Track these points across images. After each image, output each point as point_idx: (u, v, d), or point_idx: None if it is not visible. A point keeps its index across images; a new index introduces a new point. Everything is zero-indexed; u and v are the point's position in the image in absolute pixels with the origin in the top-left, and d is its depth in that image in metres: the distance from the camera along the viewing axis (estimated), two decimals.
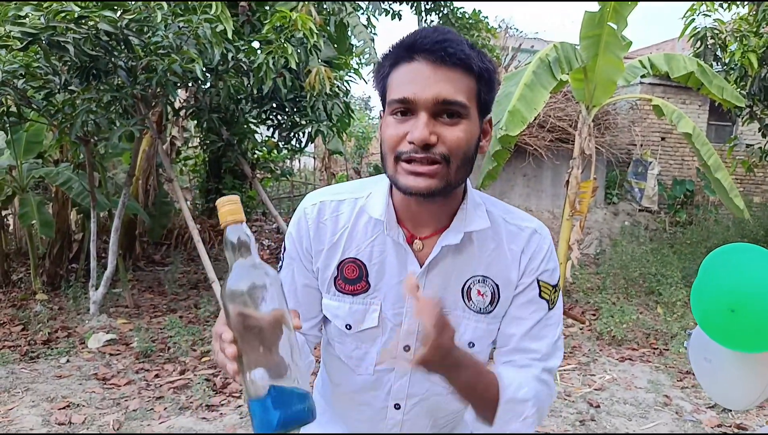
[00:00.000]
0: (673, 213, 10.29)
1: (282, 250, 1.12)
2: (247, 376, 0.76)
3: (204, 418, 3.26)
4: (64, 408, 3.29)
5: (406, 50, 0.91)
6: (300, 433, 0.97)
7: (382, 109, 0.99)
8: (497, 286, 1.02)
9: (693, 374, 1.53)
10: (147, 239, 7.24)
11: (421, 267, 1.00)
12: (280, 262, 1.12)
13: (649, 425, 3.37)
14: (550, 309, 1.03)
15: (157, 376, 3.79)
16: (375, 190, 1.04)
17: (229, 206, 0.79)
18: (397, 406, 1.09)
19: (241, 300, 0.75)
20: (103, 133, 4.29)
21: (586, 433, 3.25)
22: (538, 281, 1.02)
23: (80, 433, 3.04)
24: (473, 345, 1.04)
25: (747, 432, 3.33)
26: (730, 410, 3.51)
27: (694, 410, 3.59)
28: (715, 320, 1.15)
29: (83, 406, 3.34)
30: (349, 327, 1.06)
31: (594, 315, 5.43)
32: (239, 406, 3.41)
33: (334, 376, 1.17)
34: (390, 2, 9.23)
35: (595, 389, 3.85)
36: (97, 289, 4.79)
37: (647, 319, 5.23)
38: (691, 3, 6.60)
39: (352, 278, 1.04)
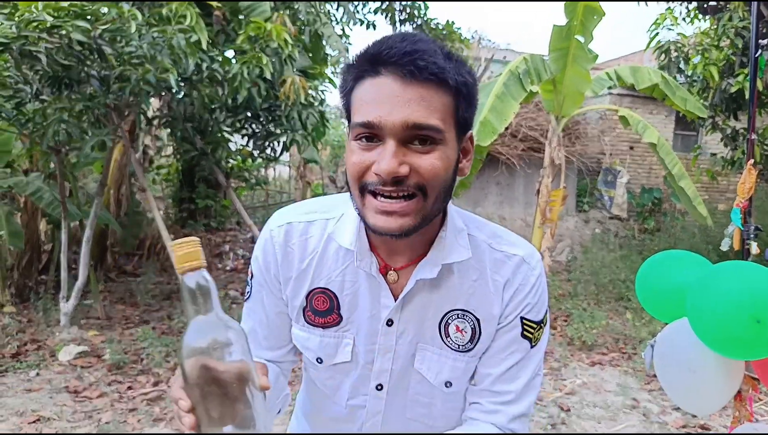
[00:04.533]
0: (641, 220, 10.54)
1: (249, 276, 1.02)
2: None
3: (178, 429, 3.24)
4: (34, 422, 3.24)
5: (370, 62, 0.79)
6: None
7: (347, 126, 0.86)
8: (478, 320, 0.92)
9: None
10: (118, 250, 7.14)
11: (395, 300, 0.92)
12: (248, 289, 1.03)
13: (618, 427, 3.46)
14: (531, 347, 0.94)
15: (130, 388, 3.75)
16: (347, 211, 0.93)
17: (186, 249, 0.69)
18: None
19: (202, 356, 0.68)
20: (75, 143, 4.24)
21: (559, 433, 3.32)
22: (522, 319, 0.93)
23: (68, 434, 2.99)
24: (450, 385, 0.95)
25: (710, 432, 3.45)
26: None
27: (660, 412, 3.69)
28: (738, 332, 1.15)
29: (54, 419, 3.29)
30: (320, 360, 0.98)
31: (565, 321, 5.54)
32: None
33: (312, 398, 1.12)
34: (364, 12, 9.33)
35: (566, 393, 3.93)
36: (68, 300, 4.71)
37: (617, 325, 5.36)
38: (656, 17, 6.82)
39: (323, 310, 0.95)
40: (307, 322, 0.97)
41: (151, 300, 5.81)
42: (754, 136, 1.63)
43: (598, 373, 4.33)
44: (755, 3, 1.62)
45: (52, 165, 5.15)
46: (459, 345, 0.93)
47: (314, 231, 0.94)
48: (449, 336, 0.93)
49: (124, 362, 4.08)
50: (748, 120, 1.67)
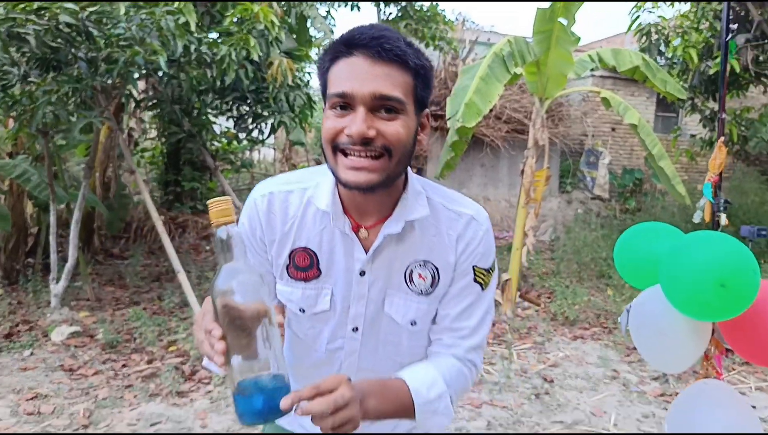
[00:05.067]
0: (623, 201, 10.75)
1: None
2: (233, 368, 0.82)
3: (174, 404, 3.33)
4: (31, 399, 3.30)
5: (344, 45, 0.94)
6: None
7: (323, 102, 1.01)
8: (437, 269, 1.08)
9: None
10: (105, 232, 7.14)
11: (366, 254, 1.06)
12: None
13: (598, 396, 3.62)
14: (482, 290, 1.11)
15: (124, 365, 3.82)
16: (322, 180, 1.08)
17: (220, 206, 0.83)
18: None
19: (226, 296, 0.81)
20: (62, 125, 4.24)
21: (563, 433, 3.47)
22: (474, 267, 1.09)
23: (61, 433, 3.06)
24: (415, 323, 1.11)
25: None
26: (666, 380, 3.81)
27: (639, 382, 3.86)
28: (699, 296, 1.27)
29: (51, 396, 3.35)
30: (302, 310, 1.12)
31: (549, 298, 5.70)
32: (209, 392, 3.49)
33: (294, 350, 1.23)
34: None
35: (550, 366, 4.08)
36: (58, 282, 4.74)
37: (598, 301, 5.53)
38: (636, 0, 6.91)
39: (304, 266, 1.09)
40: (291, 278, 1.11)
41: (141, 282, 5.85)
42: (724, 116, 1.74)
43: (580, 347, 4.49)
44: None
45: (38, 147, 5.13)
46: (421, 289, 1.09)
47: (293, 199, 1.09)
48: (413, 282, 1.09)
49: (118, 341, 4.14)
50: (718, 100, 1.77)
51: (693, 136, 9.08)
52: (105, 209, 6.34)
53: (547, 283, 6.13)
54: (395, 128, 0.94)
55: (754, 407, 3.55)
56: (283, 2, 5.54)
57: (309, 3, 5.62)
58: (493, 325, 4.86)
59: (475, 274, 1.10)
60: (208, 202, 0.84)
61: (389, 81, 0.93)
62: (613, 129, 11.31)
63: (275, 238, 1.09)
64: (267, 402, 0.82)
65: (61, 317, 4.59)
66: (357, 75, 0.93)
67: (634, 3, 6.99)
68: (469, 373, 1.13)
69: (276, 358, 0.84)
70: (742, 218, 8.01)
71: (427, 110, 1.04)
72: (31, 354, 3.96)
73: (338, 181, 0.99)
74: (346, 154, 0.95)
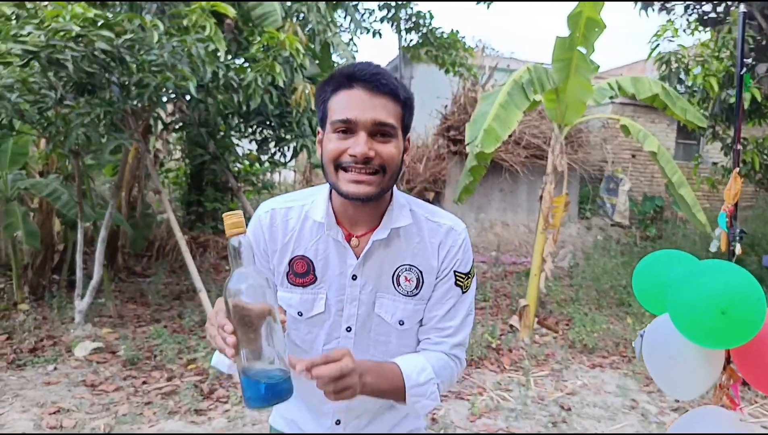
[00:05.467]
0: (643, 228, 10.66)
1: None
2: (242, 359, 0.94)
3: (193, 421, 3.37)
4: (54, 413, 3.37)
5: (346, 79, 1.10)
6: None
7: (320, 126, 1.18)
8: (421, 272, 1.21)
9: None
10: (129, 251, 7.29)
11: (357, 259, 1.19)
12: None
13: (616, 426, 3.58)
14: (463, 293, 1.24)
15: (144, 382, 3.88)
16: (317, 197, 1.23)
17: (234, 219, 0.96)
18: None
19: (237, 296, 0.94)
20: (93, 146, 4.39)
21: (558, 434, 3.44)
22: (454, 272, 1.23)
23: (75, 433, 3.12)
24: (403, 323, 1.23)
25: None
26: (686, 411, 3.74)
27: (658, 413, 3.81)
28: (702, 323, 1.31)
29: (73, 411, 3.42)
30: (300, 314, 1.23)
31: (567, 325, 5.66)
32: (226, 411, 3.53)
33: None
34: (371, 21, 9.49)
35: (567, 393, 4.05)
36: (82, 298, 4.85)
37: (617, 329, 5.47)
38: (657, 29, 6.96)
39: (302, 273, 1.22)
40: (290, 284, 1.23)
41: (162, 300, 5.94)
42: (739, 147, 1.77)
43: (599, 375, 4.44)
44: (741, 23, 1.75)
45: (69, 167, 5.29)
46: (408, 291, 1.22)
47: (293, 214, 1.23)
48: (400, 284, 1.22)
49: (138, 358, 4.21)
50: (734, 132, 1.80)
51: (714, 164, 9.00)
52: (129, 228, 6.49)
53: (566, 309, 6.09)
54: (389, 150, 1.10)
55: None
56: (308, 30, 5.70)
57: (334, 31, 5.76)
58: (510, 351, 4.84)
59: (456, 278, 1.23)
60: (224, 215, 0.97)
61: (385, 110, 1.10)
62: (634, 155, 11.28)
63: (277, 248, 1.22)
64: (270, 388, 0.93)
65: (85, 333, 4.69)
66: (358, 104, 1.08)
67: (655, 30, 7.04)
68: (455, 366, 1.25)
69: (279, 350, 0.95)
70: (766, 247, 7.89)
71: (408, 135, 1.20)
72: (55, 369, 4.04)
73: (339, 193, 1.13)
74: (346, 171, 1.10)
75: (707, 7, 7.80)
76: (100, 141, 4.24)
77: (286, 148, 5.26)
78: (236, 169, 8.74)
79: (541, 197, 5.32)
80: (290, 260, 1.22)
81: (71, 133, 3.79)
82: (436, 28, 10.04)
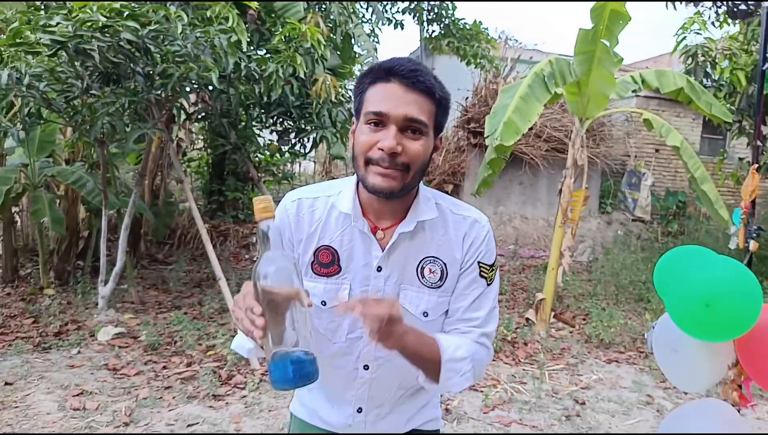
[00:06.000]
0: (665, 223, 10.51)
1: None
2: (269, 341, 0.95)
3: (211, 406, 3.45)
4: (78, 395, 3.48)
5: (385, 72, 1.12)
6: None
7: (355, 116, 1.19)
8: (445, 264, 1.22)
9: None
10: (151, 238, 7.42)
11: (383, 252, 1.21)
12: None
13: (631, 421, 3.57)
14: (488, 285, 1.25)
15: (164, 367, 3.98)
16: (344, 188, 1.24)
17: (263, 204, 1.00)
18: (366, 367, 1.27)
19: (265, 279, 0.96)
20: (118, 135, 4.48)
21: (573, 433, 3.44)
22: (479, 263, 1.24)
23: (88, 434, 3.21)
24: (427, 314, 1.23)
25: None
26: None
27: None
28: (689, 315, 1.33)
29: (96, 393, 3.52)
30: (324, 303, 1.23)
31: (584, 319, 5.63)
32: (243, 397, 3.60)
33: (314, 343, 1.38)
34: (393, 12, 9.46)
35: (582, 388, 4.04)
36: (106, 284, 4.97)
37: (635, 325, 5.43)
38: (683, 21, 6.83)
39: (326, 263, 1.22)
40: (315, 274, 1.24)
41: (183, 287, 6.06)
42: (759, 143, 1.75)
43: (614, 370, 4.43)
44: (765, 16, 1.72)
45: (94, 155, 5.40)
46: (432, 283, 1.23)
47: (319, 204, 1.24)
48: (424, 276, 1.23)
49: (159, 344, 4.31)
50: (754, 128, 1.78)
51: (741, 159, 8.83)
52: (152, 216, 6.61)
53: (583, 304, 6.06)
54: (417, 147, 1.11)
55: None
56: (329, 21, 5.71)
57: (355, 22, 5.77)
58: (526, 344, 4.84)
59: (480, 270, 1.24)
60: (254, 199, 1.01)
61: (418, 107, 1.10)
62: (657, 150, 11.11)
63: (302, 237, 1.23)
64: (298, 370, 0.94)
65: (107, 318, 4.81)
66: (392, 98, 1.10)
67: (682, 23, 6.92)
68: (486, 352, 1.25)
69: (305, 333, 0.97)
70: None
71: (441, 135, 1.21)
72: (78, 352, 4.16)
73: (365, 186, 1.14)
74: (374, 164, 1.11)
75: None
76: (124, 130, 4.32)
77: (306, 139, 5.29)
78: (257, 159, 8.82)
79: (560, 191, 5.29)
80: (315, 250, 1.23)
81: (97, 122, 3.87)
82: (459, 19, 9.95)
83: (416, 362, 1.14)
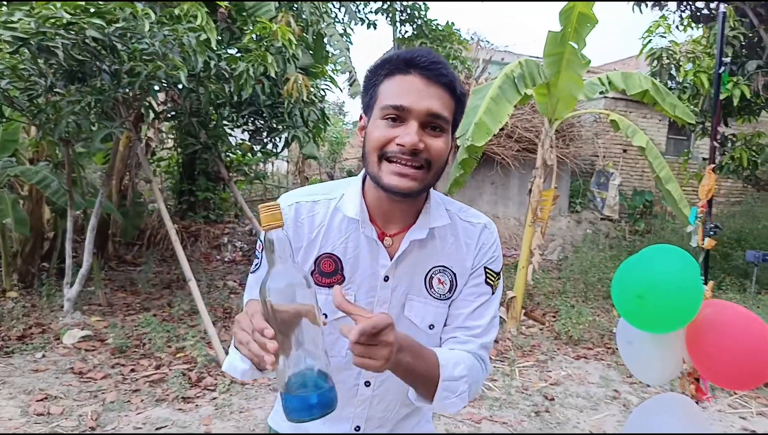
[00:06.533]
0: (632, 222, 10.75)
1: (259, 249, 1.16)
2: (283, 367, 0.84)
3: (180, 409, 3.40)
4: (41, 400, 3.39)
5: (404, 63, 1.03)
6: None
7: (364, 111, 1.09)
8: (455, 274, 1.14)
9: None
10: (119, 239, 7.29)
11: (391, 260, 1.11)
12: (257, 262, 1.17)
13: (598, 416, 3.65)
14: (492, 293, 1.18)
15: (132, 370, 3.91)
16: (347, 191, 1.14)
17: (271, 211, 0.87)
18: (367, 384, 1.18)
19: (275, 296, 0.85)
20: (84, 134, 4.39)
21: (558, 434, 3.50)
22: (485, 269, 1.16)
23: (69, 434, 3.14)
24: (433, 327, 1.15)
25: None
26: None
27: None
28: (625, 305, 1.38)
29: (61, 398, 3.44)
30: (325, 315, 1.10)
31: (554, 317, 5.72)
32: (213, 399, 3.56)
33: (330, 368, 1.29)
34: (365, 12, 9.46)
35: (551, 384, 4.11)
36: (71, 286, 4.86)
37: (603, 321, 5.54)
38: (649, 25, 6.99)
39: (329, 272, 1.12)
40: (315, 284, 1.12)
41: (152, 288, 5.96)
42: (715, 144, 1.82)
43: (583, 366, 4.51)
44: (721, 22, 1.78)
45: (59, 155, 5.28)
46: (440, 294, 1.15)
47: (319, 208, 1.14)
48: (433, 287, 1.14)
49: (127, 346, 4.24)
50: (712, 129, 1.84)
51: (705, 159, 9.09)
52: (120, 216, 6.49)
53: (553, 302, 6.16)
54: (439, 144, 1.03)
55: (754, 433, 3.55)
56: (301, 20, 5.69)
57: (327, 22, 5.76)
58: (497, 342, 4.90)
59: (486, 276, 1.17)
60: (260, 206, 0.88)
61: (440, 102, 1.02)
62: (625, 150, 11.35)
63: (302, 244, 1.12)
64: (318, 398, 0.84)
65: (73, 321, 4.70)
66: (414, 91, 1.01)
67: (647, 26, 7.08)
68: (482, 369, 1.16)
69: (321, 356, 0.86)
70: (753, 243, 7.98)
71: (455, 134, 1.14)
72: (43, 356, 4.06)
73: (380, 184, 1.05)
74: (390, 161, 1.02)
75: (700, 4, 7.83)
76: (90, 129, 4.23)
77: (278, 138, 5.26)
78: (228, 159, 8.73)
79: (530, 191, 5.37)
80: (316, 258, 1.12)
81: (61, 120, 3.79)
82: (432, 20, 10.02)
83: (410, 380, 1.04)
